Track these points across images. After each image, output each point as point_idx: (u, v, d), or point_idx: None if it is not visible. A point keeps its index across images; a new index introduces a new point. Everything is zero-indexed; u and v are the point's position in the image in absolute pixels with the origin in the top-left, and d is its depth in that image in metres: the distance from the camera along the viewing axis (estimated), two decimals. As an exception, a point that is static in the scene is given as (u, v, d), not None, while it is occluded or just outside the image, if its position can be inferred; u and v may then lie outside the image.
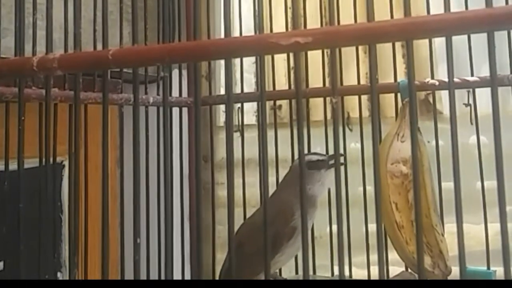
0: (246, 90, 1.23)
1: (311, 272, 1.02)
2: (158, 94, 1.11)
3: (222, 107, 1.42)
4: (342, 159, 0.94)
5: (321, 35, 0.50)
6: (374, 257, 1.04)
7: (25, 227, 0.73)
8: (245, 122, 1.21)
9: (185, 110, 1.17)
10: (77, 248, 0.59)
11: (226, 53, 0.54)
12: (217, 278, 1.11)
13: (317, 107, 1.26)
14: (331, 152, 1.05)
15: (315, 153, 0.94)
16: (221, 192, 1.20)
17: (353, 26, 0.51)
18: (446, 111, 1.18)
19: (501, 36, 0.94)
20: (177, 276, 1.11)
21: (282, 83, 1.29)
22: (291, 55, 1.18)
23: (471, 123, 1.03)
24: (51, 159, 0.82)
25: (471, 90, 1.02)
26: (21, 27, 0.70)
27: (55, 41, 0.83)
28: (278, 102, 1.32)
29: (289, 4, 1.17)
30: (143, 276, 0.92)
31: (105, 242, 0.55)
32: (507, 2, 0.93)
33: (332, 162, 0.88)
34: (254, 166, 1.14)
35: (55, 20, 0.81)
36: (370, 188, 1.04)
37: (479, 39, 0.82)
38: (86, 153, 0.90)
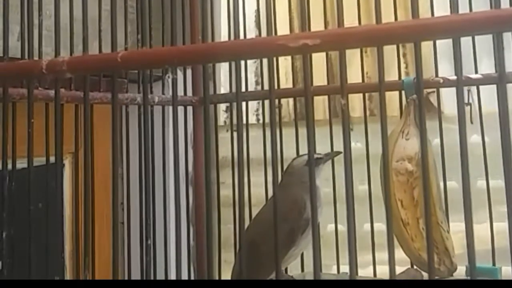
0: (248, 88, 1.23)
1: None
2: (163, 93, 1.11)
3: (223, 107, 1.43)
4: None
5: (330, 37, 0.50)
6: (377, 256, 1.05)
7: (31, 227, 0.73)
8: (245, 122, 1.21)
9: (189, 108, 1.17)
10: (88, 249, 0.59)
11: (235, 56, 0.54)
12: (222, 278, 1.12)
13: (319, 106, 1.27)
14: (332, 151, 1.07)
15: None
16: (223, 192, 1.20)
17: (361, 28, 0.52)
18: (447, 111, 1.19)
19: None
20: (183, 276, 1.11)
21: (283, 82, 1.29)
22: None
23: (471, 122, 1.03)
24: (54, 159, 0.82)
25: (471, 89, 1.03)
26: (29, 28, 0.71)
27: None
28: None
29: (293, 5, 1.17)
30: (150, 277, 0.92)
31: (116, 242, 0.56)
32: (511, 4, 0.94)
33: (326, 156, 0.99)
34: (256, 165, 1.14)
35: (60, 19, 0.81)
36: (372, 187, 1.05)
37: (480, 35, 0.82)
38: (92, 152, 0.90)
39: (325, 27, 1.10)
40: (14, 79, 0.69)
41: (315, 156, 0.94)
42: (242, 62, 1.19)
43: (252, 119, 1.38)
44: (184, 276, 1.11)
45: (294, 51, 0.51)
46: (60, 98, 0.66)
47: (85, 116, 0.61)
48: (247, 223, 0.97)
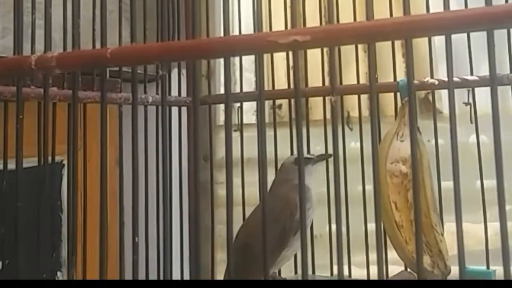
0: (246, 89, 1.23)
1: (310, 272, 1.02)
2: (157, 93, 1.10)
3: (222, 106, 1.42)
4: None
5: (320, 34, 0.49)
6: (373, 256, 1.04)
7: (23, 226, 0.73)
8: (244, 122, 1.21)
9: (184, 109, 1.17)
10: (75, 248, 0.59)
11: (225, 52, 0.53)
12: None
13: (317, 107, 1.26)
14: (330, 151, 1.06)
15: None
16: (221, 192, 1.19)
17: (352, 24, 0.51)
18: (446, 110, 1.18)
19: (500, 35, 0.94)
20: (176, 276, 1.10)
21: (282, 82, 1.29)
22: (290, 53, 1.18)
23: (471, 122, 1.03)
24: (50, 159, 0.81)
25: (470, 89, 1.02)
26: (19, 27, 0.70)
27: (55, 41, 0.83)
28: (278, 101, 1.32)
29: (288, 2, 1.16)
30: (142, 276, 0.91)
31: (103, 241, 0.55)
32: (506, 0, 0.93)
33: (317, 157, 0.98)
34: (254, 165, 1.13)
35: (54, 19, 0.81)
36: (369, 188, 1.04)
37: (479, 38, 0.82)
38: (85, 152, 0.90)
39: (320, 24, 1.09)
40: (3, 75, 0.68)
41: (306, 156, 0.95)
42: (238, 63, 1.20)
43: (252, 119, 1.38)
44: (177, 276, 1.11)
45: (284, 47, 0.51)
46: (50, 95, 0.66)
47: (73, 114, 0.60)
48: (241, 223, 0.96)
